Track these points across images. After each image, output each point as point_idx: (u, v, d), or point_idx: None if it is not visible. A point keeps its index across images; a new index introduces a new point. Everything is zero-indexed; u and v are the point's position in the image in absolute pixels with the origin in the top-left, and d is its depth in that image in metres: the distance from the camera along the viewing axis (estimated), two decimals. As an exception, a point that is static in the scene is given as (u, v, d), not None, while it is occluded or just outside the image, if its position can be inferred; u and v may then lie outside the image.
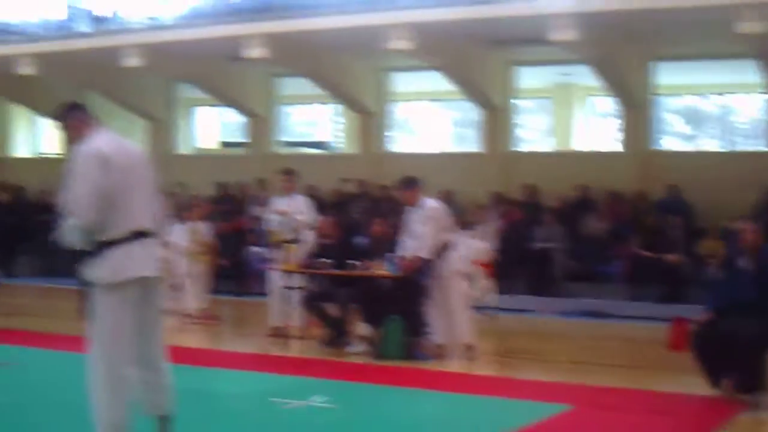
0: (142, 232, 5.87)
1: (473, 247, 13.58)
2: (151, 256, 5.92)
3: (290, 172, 12.96)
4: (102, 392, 5.69)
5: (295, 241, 12.41)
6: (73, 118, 6.14)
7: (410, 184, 11.09)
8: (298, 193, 13.06)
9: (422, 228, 10.72)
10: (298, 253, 12.18)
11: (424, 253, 10.68)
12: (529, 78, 21.21)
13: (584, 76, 20.18)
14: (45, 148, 27.49)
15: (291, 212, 12.52)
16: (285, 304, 12.23)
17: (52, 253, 22.19)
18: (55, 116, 6.33)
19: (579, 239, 18.16)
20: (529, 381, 9.78)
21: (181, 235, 14.08)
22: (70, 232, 5.74)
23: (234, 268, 17.99)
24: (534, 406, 8.19)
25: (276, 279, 12.51)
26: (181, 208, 14.93)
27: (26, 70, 20.98)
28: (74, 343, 10.36)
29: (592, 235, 18.04)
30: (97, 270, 5.72)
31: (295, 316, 12.52)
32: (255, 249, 17.80)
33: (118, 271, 5.71)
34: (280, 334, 12.13)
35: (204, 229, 14.50)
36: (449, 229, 11.12)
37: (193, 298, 14.29)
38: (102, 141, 5.88)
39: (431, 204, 11.02)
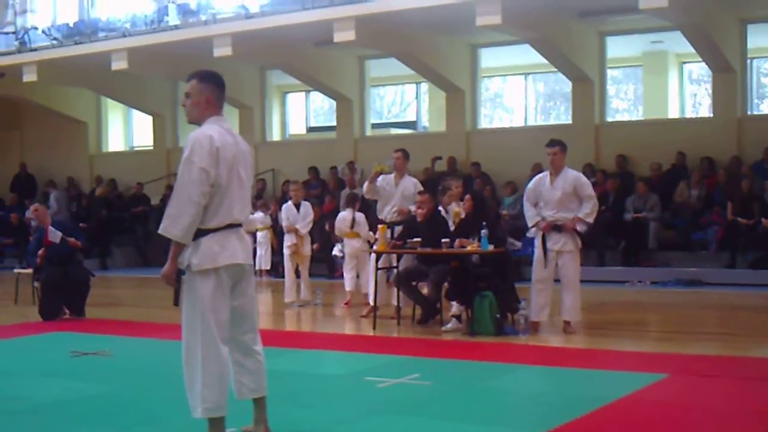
0: (238, 224, 5.87)
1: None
2: (245, 245, 5.93)
3: (402, 150, 12.86)
4: (199, 373, 5.64)
5: (395, 223, 12.48)
6: (203, 92, 5.91)
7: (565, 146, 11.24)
8: (408, 174, 13.00)
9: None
10: (389, 234, 12.18)
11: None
12: (618, 47, 21.01)
13: (675, 43, 19.93)
14: (138, 141, 28.08)
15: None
16: (379, 284, 12.22)
17: (146, 245, 22.84)
18: (187, 79, 5.96)
19: (673, 207, 17.99)
20: (623, 352, 9.68)
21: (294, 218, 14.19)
22: (174, 220, 5.62)
23: (324, 251, 18.34)
24: (628, 376, 8.12)
25: (371, 260, 12.59)
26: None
27: (119, 65, 21.41)
28: (169, 331, 10.69)
29: (686, 203, 17.84)
30: (193, 257, 5.69)
31: (389, 297, 12.64)
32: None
33: (213, 257, 5.69)
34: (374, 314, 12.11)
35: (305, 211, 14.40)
36: None
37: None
38: (215, 130, 5.76)
39: (574, 173, 11.29)
